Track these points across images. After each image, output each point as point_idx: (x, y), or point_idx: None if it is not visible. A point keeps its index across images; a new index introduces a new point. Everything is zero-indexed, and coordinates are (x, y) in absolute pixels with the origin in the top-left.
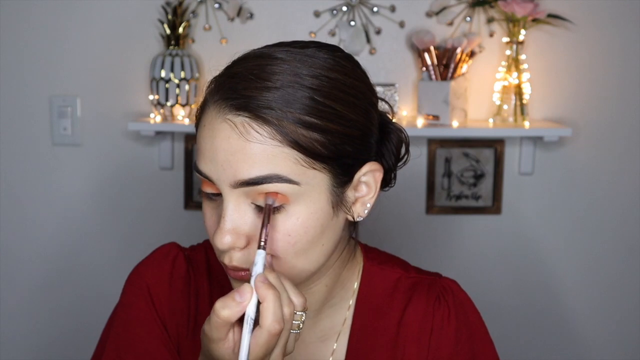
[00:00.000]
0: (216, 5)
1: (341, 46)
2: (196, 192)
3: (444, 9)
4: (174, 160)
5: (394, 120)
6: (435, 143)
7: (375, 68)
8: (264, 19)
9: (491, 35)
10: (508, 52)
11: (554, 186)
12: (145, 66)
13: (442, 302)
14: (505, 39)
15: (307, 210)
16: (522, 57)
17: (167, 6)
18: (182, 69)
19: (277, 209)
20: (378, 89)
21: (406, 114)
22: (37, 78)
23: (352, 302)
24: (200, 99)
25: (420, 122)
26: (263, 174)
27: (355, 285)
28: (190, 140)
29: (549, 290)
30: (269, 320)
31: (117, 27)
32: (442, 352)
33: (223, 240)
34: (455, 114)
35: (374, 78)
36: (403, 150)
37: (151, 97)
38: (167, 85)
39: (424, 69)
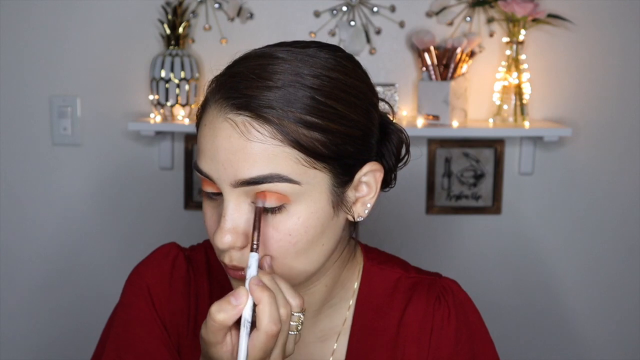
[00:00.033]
0: (216, 5)
1: (341, 46)
2: (196, 192)
3: (444, 9)
4: (174, 160)
5: (394, 121)
6: (435, 143)
7: (375, 68)
8: (264, 19)
9: (491, 35)
10: (508, 52)
11: (554, 186)
12: (145, 66)
13: (442, 302)
14: (505, 39)
15: (308, 210)
16: (522, 57)
17: (167, 6)
18: (182, 69)
19: (277, 208)
20: (378, 89)
21: (406, 114)
22: (37, 78)
23: (352, 302)
24: (201, 98)
25: (420, 122)
26: (264, 173)
27: (356, 285)
28: (190, 140)
29: (549, 290)
30: (265, 321)
31: (117, 27)
32: (442, 352)
33: (223, 239)
34: (455, 114)
35: (374, 78)
36: (403, 150)
37: (151, 97)
38: (167, 85)
39: (424, 69)
